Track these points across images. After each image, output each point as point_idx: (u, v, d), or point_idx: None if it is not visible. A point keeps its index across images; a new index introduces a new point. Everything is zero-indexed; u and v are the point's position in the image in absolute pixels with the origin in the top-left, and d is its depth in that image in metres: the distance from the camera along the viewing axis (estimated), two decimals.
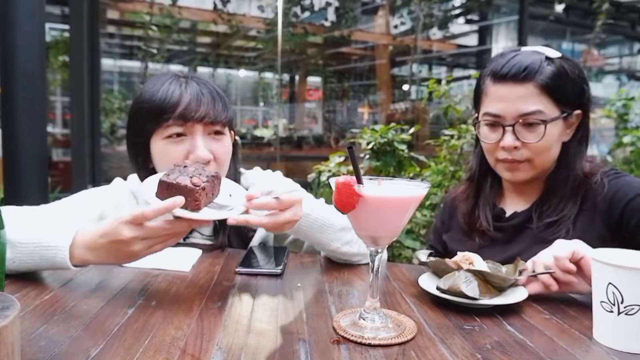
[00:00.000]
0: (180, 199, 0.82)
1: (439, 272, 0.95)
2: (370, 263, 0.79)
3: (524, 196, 1.23)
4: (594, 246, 1.08)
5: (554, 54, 1.13)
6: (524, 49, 1.16)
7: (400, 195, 0.76)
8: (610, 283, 0.70)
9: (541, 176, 1.19)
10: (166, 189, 0.83)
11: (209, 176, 0.86)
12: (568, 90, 1.12)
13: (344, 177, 0.73)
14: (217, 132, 1.17)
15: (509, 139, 1.12)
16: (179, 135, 1.13)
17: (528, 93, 1.10)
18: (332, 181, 0.74)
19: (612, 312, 0.70)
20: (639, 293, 0.68)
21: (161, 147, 1.14)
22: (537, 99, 1.10)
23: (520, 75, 1.10)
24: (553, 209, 1.14)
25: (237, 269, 1.04)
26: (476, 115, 1.23)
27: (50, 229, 0.96)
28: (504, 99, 1.12)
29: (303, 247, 1.31)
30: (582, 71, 1.16)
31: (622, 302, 0.69)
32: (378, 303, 0.79)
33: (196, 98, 1.12)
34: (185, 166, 0.87)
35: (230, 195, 0.90)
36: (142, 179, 1.18)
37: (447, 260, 0.96)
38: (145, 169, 1.19)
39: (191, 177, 0.83)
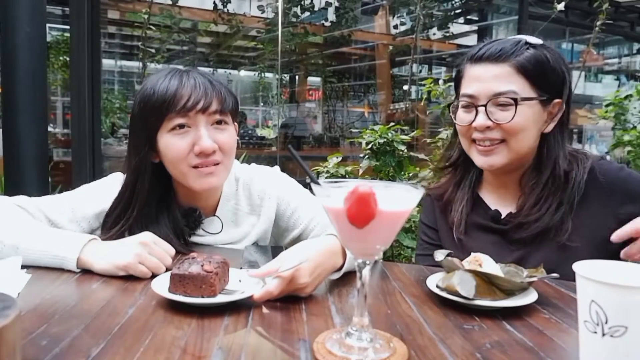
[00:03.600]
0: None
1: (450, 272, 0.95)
2: (357, 275, 0.70)
3: (505, 192, 1.22)
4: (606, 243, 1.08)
5: (534, 40, 1.13)
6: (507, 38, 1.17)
7: (399, 209, 0.67)
8: (593, 301, 0.62)
9: (518, 166, 1.18)
10: (179, 282, 0.83)
11: (219, 262, 0.87)
12: (548, 77, 1.12)
13: (361, 187, 0.62)
14: (221, 122, 1.18)
15: (480, 119, 1.12)
16: (182, 126, 1.14)
17: (503, 72, 1.10)
18: (340, 193, 0.64)
19: (595, 332, 0.62)
20: (625, 313, 0.60)
21: (166, 141, 1.15)
22: (512, 79, 1.10)
23: (496, 55, 1.11)
24: (540, 207, 1.13)
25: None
26: (455, 102, 1.22)
27: (58, 239, 1.03)
28: (480, 78, 1.13)
29: None
30: (565, 63, 1.17)
31: (606, 323, 0.60)
32: (367, 319, 0.70)
33: (196, 89, 1.14)
34: (193, 257, 0.88)
35: (240, 281, 0.91)
36: (140, 171, 1.19)
37: (455, 260, 0.96)
38: (147, 162, 1.19)
39: (202, 265, 0.84)
